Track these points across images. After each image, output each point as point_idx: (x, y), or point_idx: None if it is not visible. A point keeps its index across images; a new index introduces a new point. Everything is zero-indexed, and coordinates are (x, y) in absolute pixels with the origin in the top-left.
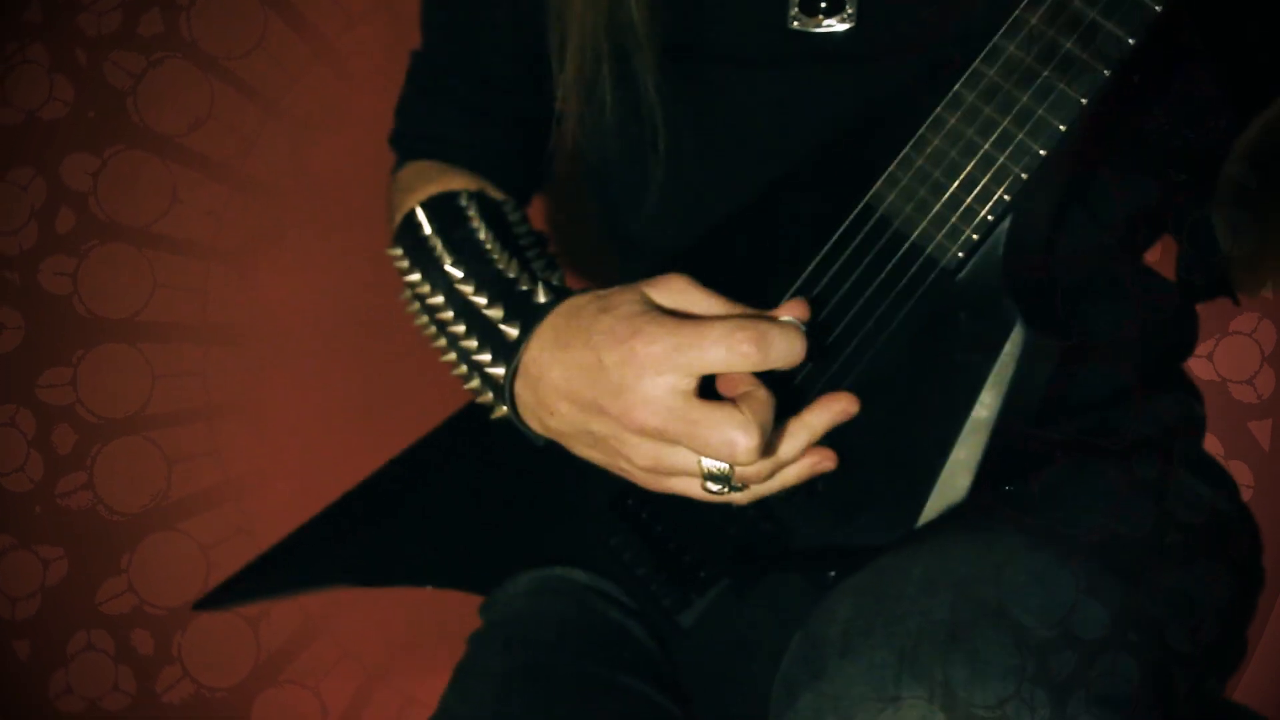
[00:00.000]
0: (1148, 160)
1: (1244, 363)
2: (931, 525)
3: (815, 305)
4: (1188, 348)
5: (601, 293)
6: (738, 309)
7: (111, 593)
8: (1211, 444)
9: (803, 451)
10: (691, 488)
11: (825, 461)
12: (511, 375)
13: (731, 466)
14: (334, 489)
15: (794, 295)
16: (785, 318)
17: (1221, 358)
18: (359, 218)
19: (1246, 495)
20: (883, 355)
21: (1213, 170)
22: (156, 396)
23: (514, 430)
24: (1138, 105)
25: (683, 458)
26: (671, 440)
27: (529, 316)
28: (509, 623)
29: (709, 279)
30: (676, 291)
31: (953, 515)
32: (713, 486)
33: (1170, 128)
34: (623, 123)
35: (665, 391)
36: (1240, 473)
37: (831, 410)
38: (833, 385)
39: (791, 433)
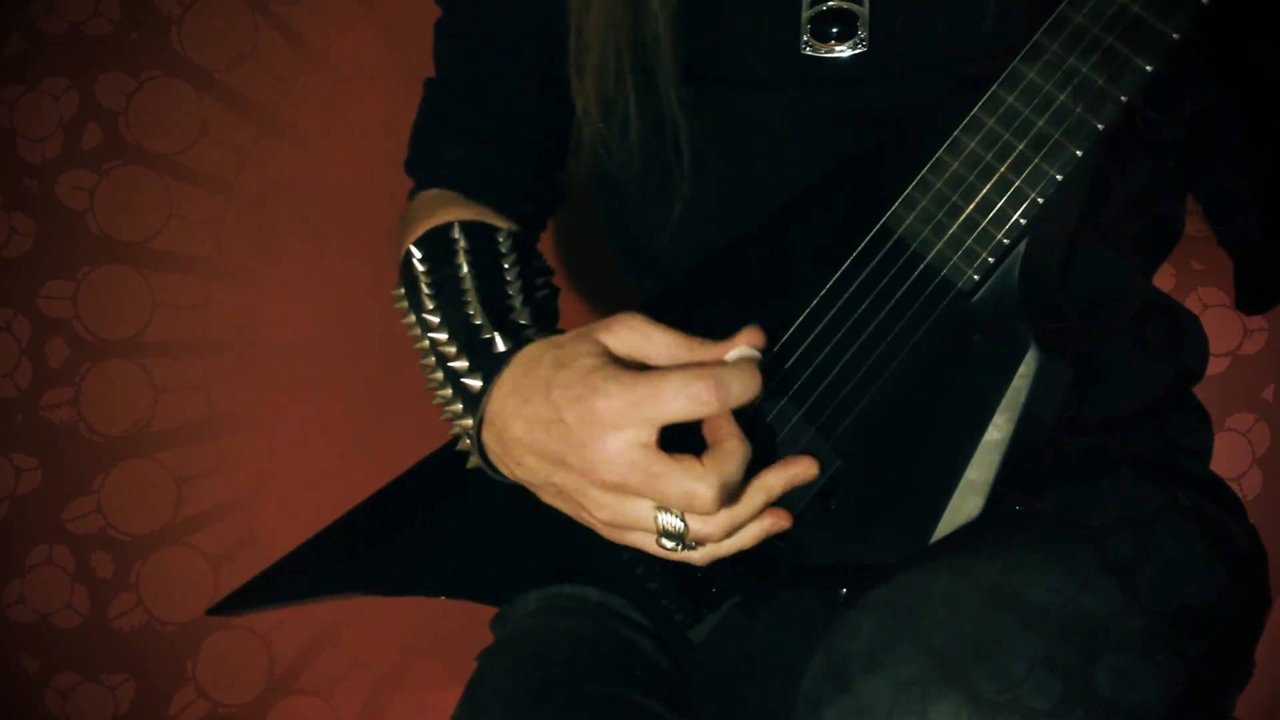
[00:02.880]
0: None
1: (1234, 461)
2: (948, 541)
3: (831, 325)
4: (1198, 370)
5: (558, 340)
6: (694, 344)
7: (79, 511)
8: None
9: (759, 512)
10: (648, 543)
11: (781, 521)
12: (478, 427)
13: (686, 526)
14: (315, 437)
15: (807, 318)
16: (740, 350)
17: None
18: (385, 174)
19: None
20: (898, 375)
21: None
22: (154, 324)
23: None
24: (1170, 193)
25: (640, 513)
26: (632, 492)
27: (489, 367)
28: (520, 640)
29: (724, 298)
30: (631, 332)
31: (968, 532)
32: (667, 544)
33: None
34: (645, 140)
35: (626, 445)
36: None
37: (790, 472)
38: (848, 405)
39: (748, 494)
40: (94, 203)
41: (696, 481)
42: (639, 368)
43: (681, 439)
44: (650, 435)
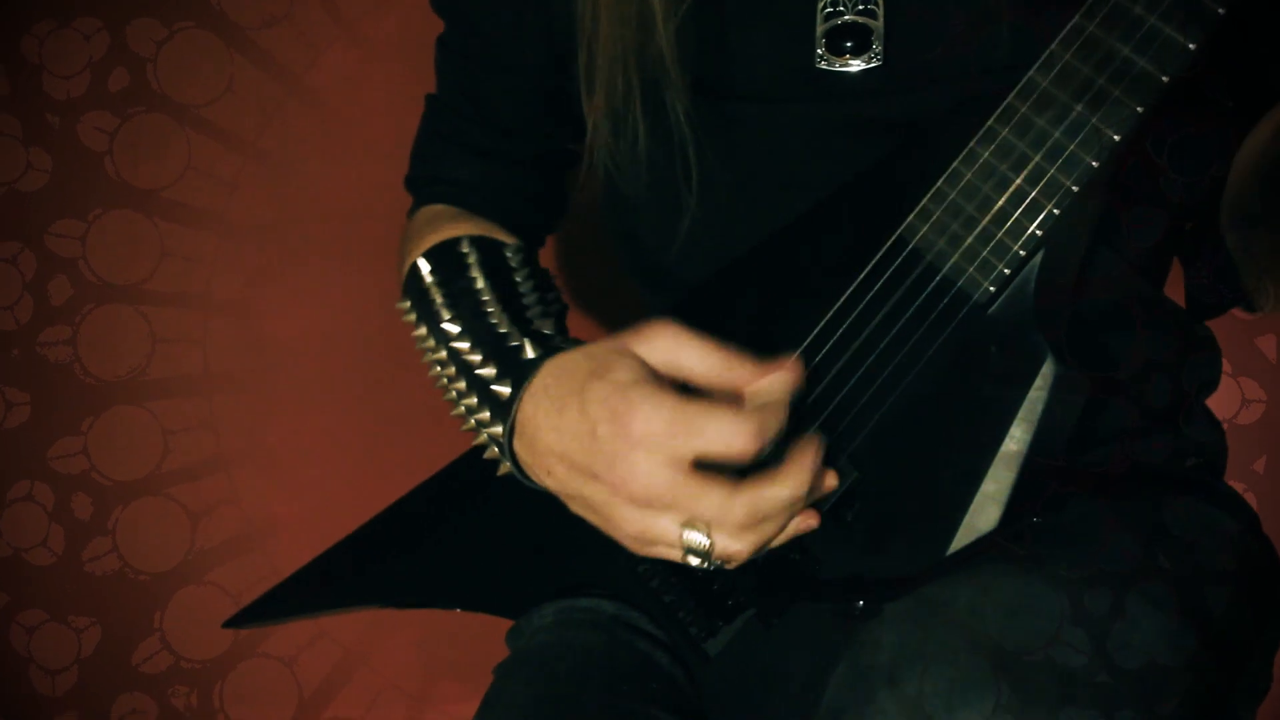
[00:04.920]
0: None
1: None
2: (967, 554)
3: (846, 337)
4: (1212, 382)
5: (592, 350)
6: (731, 360)
7: (65, 451)
8: None
9: (784, 527)
10: (674, 556)
11: (809, 521)
12: (509, 434)
13: (712, 544)
14: (307, 403)
15: (822, 330)
16: (776, 380)
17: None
18: (408, 150)
19: None
20: (914, 387)
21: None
22: (159, 273)
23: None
24: (1182, 250)
25: (667, 529)
26: (661, 508)
27: (519, 374)
28: (536, 654)
29: (738, 311)
30: (667, 343)
31: (986, 544)
32: (693, 560)
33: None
34: (654, 154)
35: (658, 465)
36: None
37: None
38: (864, 417)
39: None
40: (113, 146)
41: (726, 504)
42: (677, 383)
43: None
44: (684, 459)
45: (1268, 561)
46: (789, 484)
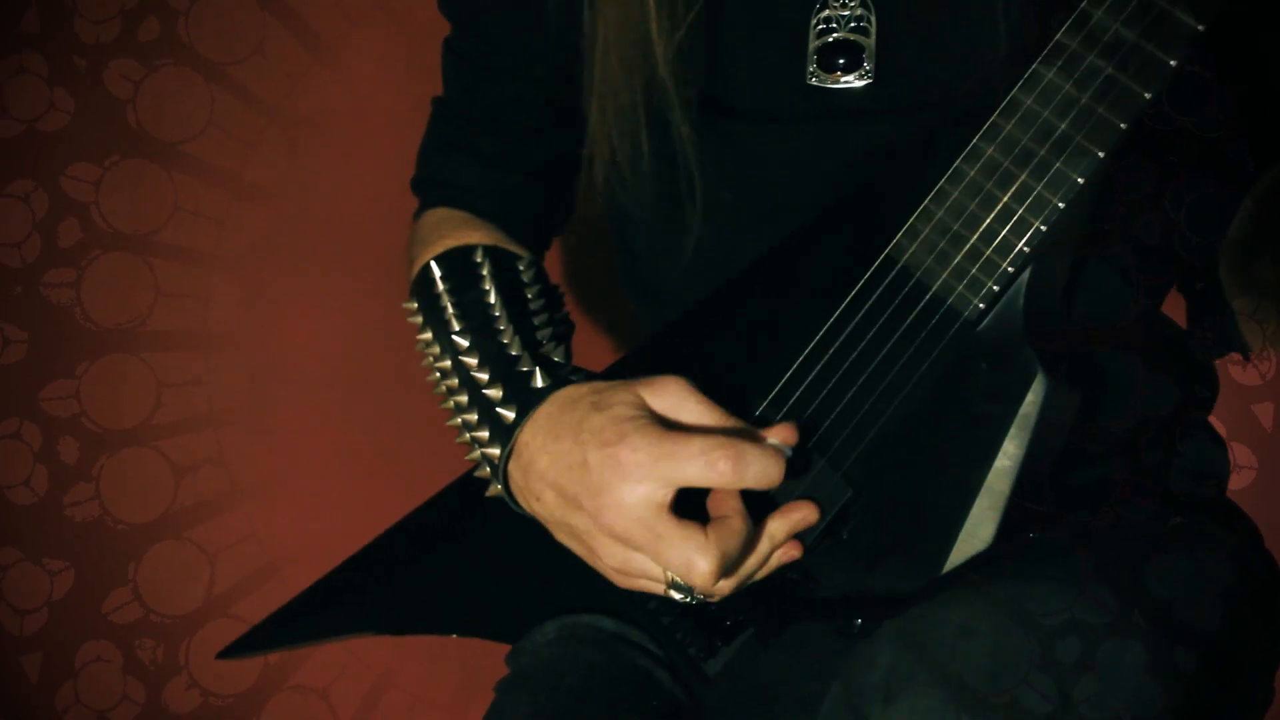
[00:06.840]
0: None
1: None
2: (961, 572)
3: (837, 357)
4: (1210, 396)
5: (599, 386)
6: (730, 421)
7: (57, 394)
8: None
9: (765, 561)
10: (657, 590)
11: (791, 552)
12: (506, 457)
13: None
14: (302, 368)
15: (813, 349)
16: (771, 442)
17: None
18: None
19: None
20: (906, 406)
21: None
22: (170, 226)
23: None
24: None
25: (647, 566)
26: (636, 548)
27: (526, 401)
28: (536, 671)
29: (730, 330)
30: (671, 396)
31: (980, 562)
32: (676, 595)
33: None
34: (657, 171)
35: (639, 500)
36: None
37: (791, 519)
38: (857, 436)
39: (755, 548)
40: (137, 95)
41: (697, 553)
42: (674, 428)
43: (698, 503)
44: (665, 494)
45: (1268, 574)
46: (748, 528)
